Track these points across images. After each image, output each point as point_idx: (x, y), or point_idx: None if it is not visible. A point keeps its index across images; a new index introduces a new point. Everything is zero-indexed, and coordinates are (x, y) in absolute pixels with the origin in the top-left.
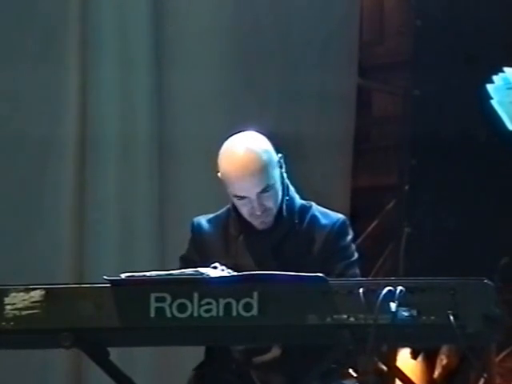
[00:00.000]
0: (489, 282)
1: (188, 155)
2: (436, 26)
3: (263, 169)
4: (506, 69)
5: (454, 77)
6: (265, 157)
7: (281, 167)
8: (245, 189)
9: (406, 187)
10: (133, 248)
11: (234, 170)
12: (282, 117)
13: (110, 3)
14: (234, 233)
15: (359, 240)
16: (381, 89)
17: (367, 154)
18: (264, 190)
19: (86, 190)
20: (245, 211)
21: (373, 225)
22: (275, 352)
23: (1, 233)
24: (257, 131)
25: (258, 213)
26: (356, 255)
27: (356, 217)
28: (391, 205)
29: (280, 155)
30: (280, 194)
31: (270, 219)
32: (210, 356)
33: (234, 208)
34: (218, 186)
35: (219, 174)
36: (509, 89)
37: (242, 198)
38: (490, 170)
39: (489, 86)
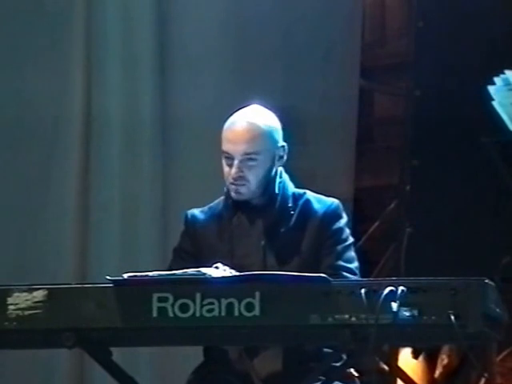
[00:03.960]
0: (490, 282)
1: (192, 154)
2: (437, 27)
3: (258, 135)
4: (506, 71)
5: (455, 78)
6: (265, 128)
7: (281, 157)
8: (233, 143)
9: (408, 188)
10: (135, 248)
11: (231, 123)
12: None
13: (115, 3)
14: (227, 216)
15: (361, 241)
16: (382, 90)
17: (369, 154)
18: (249, 156)
19: (90, 189)
20: (225, 173)
21: (374, 225)
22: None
23: (4, 233)
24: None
25: (234, 175)
26: (351, 239)
27: (358, 217)
28: (393, 205)
29: (285, 144)
30: (264, 174)
31: (244, 191)
32: (208, 357)
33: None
34: (222, 183)
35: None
36: (510, 90)
37: (228, 156)
38: (491, 171)
39: (490, 88)
